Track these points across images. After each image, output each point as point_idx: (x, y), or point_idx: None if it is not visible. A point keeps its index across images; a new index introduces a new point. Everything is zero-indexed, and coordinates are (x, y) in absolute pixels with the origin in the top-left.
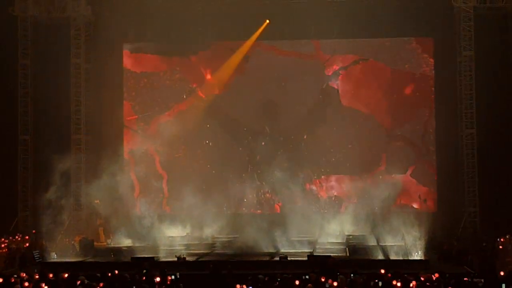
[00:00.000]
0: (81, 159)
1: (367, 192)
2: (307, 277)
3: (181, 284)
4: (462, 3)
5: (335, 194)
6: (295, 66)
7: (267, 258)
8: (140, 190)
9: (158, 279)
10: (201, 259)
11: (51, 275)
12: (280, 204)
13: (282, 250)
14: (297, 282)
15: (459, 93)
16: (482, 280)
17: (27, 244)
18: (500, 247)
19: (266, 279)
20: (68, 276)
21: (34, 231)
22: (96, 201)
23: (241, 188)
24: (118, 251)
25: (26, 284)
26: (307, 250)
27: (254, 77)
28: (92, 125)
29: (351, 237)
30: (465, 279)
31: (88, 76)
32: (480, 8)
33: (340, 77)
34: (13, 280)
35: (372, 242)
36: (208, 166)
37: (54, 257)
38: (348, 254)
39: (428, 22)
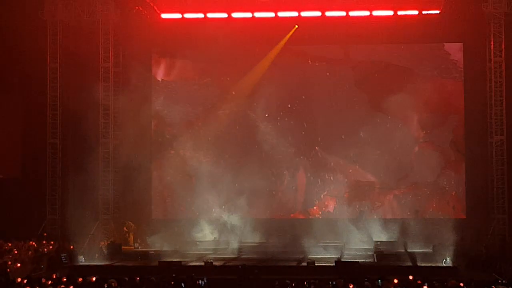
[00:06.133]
0: (110, 164)
1: (395, 198)
2: (334, 283)
3: None
4: (493, 8)
5: (362, 200)
6: (324, 71)
7: (295, 264)
8: (168, 194)
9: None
10: (228, 264)
11: (80, 280)
12: (308, 209)
13: (310, 256)
14: None
15: (489, 99)
16: None
17: (54, 247)
18: None
19: (293, 284)
20: (96, 280)
21: None
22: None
23: (268, 193)
24: (145, 255)
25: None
26: (334, 256)
27: (283, 81)
28: (120, 129)
29: (378, 243)
30: (492, 287)
31: (117, 80)
32: (511, 13)
33: (369, 83)
34: (43, 282)
35: (400, 248)
36: (236, 170)
37: (81, 260)
38: (375, 260)
39: (458, 28)
